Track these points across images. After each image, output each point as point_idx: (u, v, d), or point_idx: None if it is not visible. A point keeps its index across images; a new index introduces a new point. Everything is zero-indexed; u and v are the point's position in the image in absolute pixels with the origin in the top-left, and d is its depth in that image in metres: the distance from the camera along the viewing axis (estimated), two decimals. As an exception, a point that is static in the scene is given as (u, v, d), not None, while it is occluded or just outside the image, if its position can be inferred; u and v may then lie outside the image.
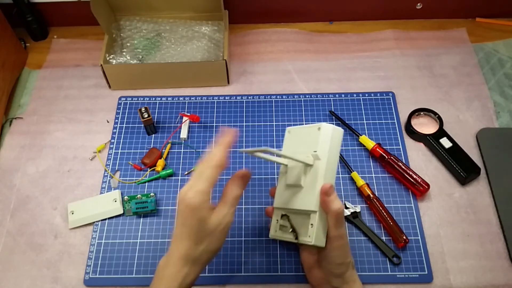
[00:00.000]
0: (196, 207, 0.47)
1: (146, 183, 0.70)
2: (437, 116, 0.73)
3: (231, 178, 0.53)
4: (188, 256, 0.49)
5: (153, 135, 0.75)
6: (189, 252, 0.49)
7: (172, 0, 0.82)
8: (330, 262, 0.53)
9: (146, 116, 0.71)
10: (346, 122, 0.74)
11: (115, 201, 0.67)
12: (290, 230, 0.55)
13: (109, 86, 0.81)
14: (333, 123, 0.74)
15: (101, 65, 0.76)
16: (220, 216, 0.49)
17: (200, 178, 0.48)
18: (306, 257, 0.58)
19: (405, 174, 0.67)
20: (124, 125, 0.76)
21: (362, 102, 0.77)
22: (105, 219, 0.66)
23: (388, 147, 0.72)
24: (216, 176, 0.49)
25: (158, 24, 0.84)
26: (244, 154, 0.71)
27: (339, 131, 0.54)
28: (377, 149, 0.69)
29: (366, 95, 0.78)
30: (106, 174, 0.71)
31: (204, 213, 0.48)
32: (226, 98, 0.79)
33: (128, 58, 0.80)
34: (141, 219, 0.66)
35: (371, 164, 0.70)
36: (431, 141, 0.71)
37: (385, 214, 0.63)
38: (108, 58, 0.78)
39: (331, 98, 0.78)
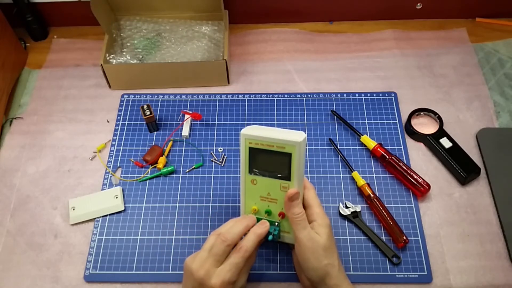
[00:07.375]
0: None
1: (148, 180, 0.70)
2: (437, 116, 0.73)
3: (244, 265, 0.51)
4: None
5: (155, 132, 0.75)
6: None
7: (172, 0, 0.82)
8: (302, 266, 0.53)
9: (148, 113, 0.72)
10: (348, 121, 0.74)
11: (116, 197, 0.67)
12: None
13: (109, 86, 0.81)
14: (334, 122, 0.75)
15: (101, 65, 0.76)
16: None
17: (231, 267, 0.48)
18: (296, 261, 0.58)
19: (406, 175, 0.67)
20: (126, 122, 0.76)
21: (364, 102, 0.77)
22: (106, 215, 0.66)
23: (389, 147, 0.72)
24: (242, 266, 0.49)
25: (158, 24, 0.84)
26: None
27: (305, 138, 0.52)
28: (378, 149, 0.69)
29: (368, 95, 0.78)
30: (107, 172, 0.71)
31: None
32: (228, 96, 0.79)
33: (128, 58, 0.80)
34: (142, 216, 0.66)
35: (372, 164, 0.70)
36: (431, 141, 0.71)
37: (385, 214, 0.63)
38: (108, 58, 0.78)
39: (333, 98, 0.78)
